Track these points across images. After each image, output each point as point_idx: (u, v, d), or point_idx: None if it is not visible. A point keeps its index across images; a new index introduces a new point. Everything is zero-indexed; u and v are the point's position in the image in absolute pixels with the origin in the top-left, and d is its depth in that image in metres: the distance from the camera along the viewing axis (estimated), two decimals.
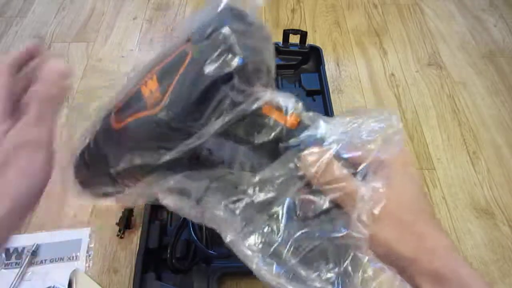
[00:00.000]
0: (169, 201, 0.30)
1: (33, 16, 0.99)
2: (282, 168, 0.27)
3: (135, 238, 0.62)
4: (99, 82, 0.84)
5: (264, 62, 0.27)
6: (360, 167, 0.27)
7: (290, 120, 0.27)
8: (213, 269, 0.54)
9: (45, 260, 0.59)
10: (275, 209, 0.28)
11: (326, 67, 0.79)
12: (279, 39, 0.81)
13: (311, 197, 0.27)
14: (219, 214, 0.30)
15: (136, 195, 0.32)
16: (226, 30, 0.24)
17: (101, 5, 1.01)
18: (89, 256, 0.60)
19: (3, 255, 0.59)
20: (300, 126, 0.27)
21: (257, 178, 0.28)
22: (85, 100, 0.81)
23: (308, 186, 0.27)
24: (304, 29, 0.81)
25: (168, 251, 0.55)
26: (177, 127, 0.26)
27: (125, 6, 1.01)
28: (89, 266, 0.59)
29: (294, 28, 0.81)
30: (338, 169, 0.27)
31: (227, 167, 0.30)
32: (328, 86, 0.75)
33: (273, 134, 0.27)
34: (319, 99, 0.75)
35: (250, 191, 0.28)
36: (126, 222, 0.61)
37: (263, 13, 1.00)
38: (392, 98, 0.83)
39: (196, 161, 0.29)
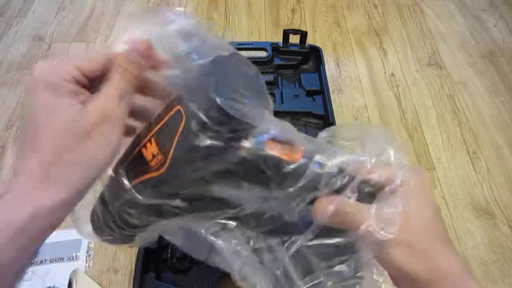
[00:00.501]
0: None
1: (33, 16, 0.99)
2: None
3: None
4: None
5: (261, 100, 0.27)
6: (381, 192, 0.28)
7: (296, 155, 0.27)
8: (213, 269, 0.54)
9: (45, 260, 0.59)
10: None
11: (326, 67, 0.78)
12: (279, 39, 0.81)
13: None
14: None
15: (145, 239, 0.33)
16: (219, 101, 0.24)
17: (101, 5, 1.01)
18: (89, 256, 0.60)
19: None
20: (305, 161, 0.27)
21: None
22: None
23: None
24: (304, 29, 0.81)
25: (168, 251, 0.55)
26: (181, 187, 0.27)
27: (125, 6, 1.01)
28: (89, 266, 0.59)
29: (294, 28, 0.81)
30: (350, 209, 0.27)
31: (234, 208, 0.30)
32: (328, 86, 0.75)
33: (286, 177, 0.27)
34: (319, 99, 0.75)
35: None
36: None
37: (263, 13, 1.00)
38: (392, 98, 0.83)
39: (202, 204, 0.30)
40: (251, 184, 0.27)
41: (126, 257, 0.60)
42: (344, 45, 0.93)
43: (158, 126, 0.27)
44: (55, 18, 0.98)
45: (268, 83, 0.78)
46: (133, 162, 0.28)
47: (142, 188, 0.27)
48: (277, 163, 0.26)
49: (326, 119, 0.72)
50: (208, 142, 0.24)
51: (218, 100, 0.23)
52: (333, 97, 0.80)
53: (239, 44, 0.79)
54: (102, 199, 0.30)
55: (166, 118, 0.26)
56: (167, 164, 0.26)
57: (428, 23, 0.99)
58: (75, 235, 0.64)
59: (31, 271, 0.58)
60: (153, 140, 0.27)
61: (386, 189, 0.28)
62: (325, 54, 0.80)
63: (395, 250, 0.27)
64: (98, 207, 0.30)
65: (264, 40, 0.93)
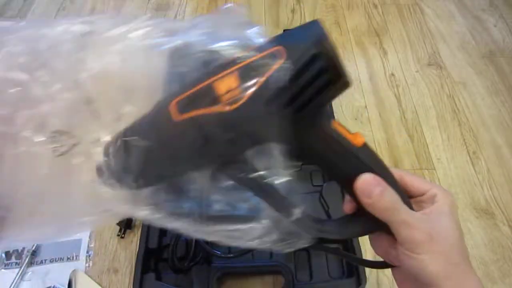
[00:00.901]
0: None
1: (33, 16, 0.98)
2: None
3: (135, 238, 0.62)
4: None
5: None
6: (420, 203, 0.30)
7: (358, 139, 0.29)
8: (213, 269, 0.54)
9: (45, 260, 0.59)
10: None
11: None
12: None
13: None
14: None
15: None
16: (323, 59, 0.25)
17: (101, 5, 1.01)
18: (89, 256, 0.60)
19: (3, 255, 0.59)
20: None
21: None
22: None
23: None
24: None
25: (169, 251, 0.55)
26: (244, 132, 0.25)
27: (125, 6, 1.01)
28: (89, 266, 0.59)
29: None
30: (391, 198, 0.28)
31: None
32: None
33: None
34: None
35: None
36: (126, 222, 0.61)
37: (263, 13, 1.00)
38: (392, 98, 0.83)
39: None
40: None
41: (126, 257, 0.61)
42: (344, 45, 0.93)
43: (248, 61, 0.25)
44: (55, 18, 0.98)
45: None
46: (193, 95, 0.26)
47: (194, 124, 0.25)
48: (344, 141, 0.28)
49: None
50: (296, 90, 0.24)
51: (328, 53, 0.24)
52: None
53: None
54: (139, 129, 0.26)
55: (259, 55, 0.25)
56: (243, 100, 0.24)
57: (428, 23, 0.99)
58: (75, 235, 0.64)
59: (31, 271, 0.58)
60: (235, 73, 0.25)
61: (426, 201, 0.30)
62: None
63: (433, 256, 0.28)
64: (119, 148, 0.26)
65: None
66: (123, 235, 0.61)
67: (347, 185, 0.30)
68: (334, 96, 0.27)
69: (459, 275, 0.28)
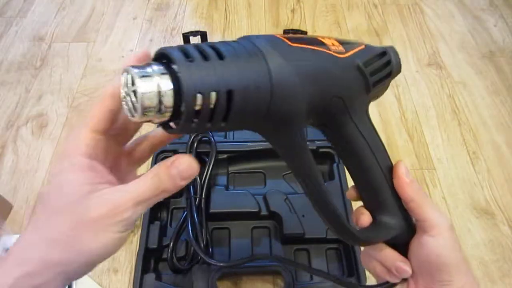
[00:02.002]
0: None
1: (33, 16, 0.99)
2: None
3: (134, 238, 0.62)
4: (99, 82, 0.85)
5: None
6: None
7: None
8: (213, 269, 0.54)
9: None
10: None
11: None
12: None
13: None
14: None
15: None
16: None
17: (101, 5, 1.02)
18: None
19: (3, 255, 0.59)
20: None
21: None
22: (85, 100, 0.81)
23: None
24: (304, 29, 0.81)
25: (168, 251, 0.55)
26: (342, 83, 0.29)
27: (125, 6, 1.01)
28: None
29: (294, 28, 0.81)
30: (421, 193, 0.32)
31: None
32: None
33: None
34: None
35: None
36: None
37: (263, 13, 1.00)
38: (392, 98, 0.83)
39: None
40: None
41: (126, 257, 0.61)
42: None
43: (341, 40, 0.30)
44: (55, 18, 0.98)
45: None
46: (303, 39, 0.27)
47: (308, 53, 0.26)
48: None
49: None
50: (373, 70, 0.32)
51: None
52: None
53: None
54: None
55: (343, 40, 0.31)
56: (348, 54, 0.29)
57: (428, 23, 0.99)
58: None
59: None
60: (333, 39, 0.30)
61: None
62: None
63: (446, 241, 0.31)
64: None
65: None
66: None
67: (364, 183, 0.33)
68: (381, 92, 0.36)
69: (466, 270, 0.33)
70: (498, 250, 0.62)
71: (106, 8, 1.01)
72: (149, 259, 0.55)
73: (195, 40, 0.79)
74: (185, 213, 0.57)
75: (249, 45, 0.24)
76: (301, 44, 0.26)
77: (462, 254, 0.33)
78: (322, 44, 0.28)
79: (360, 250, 0.55)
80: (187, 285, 0.54)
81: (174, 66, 0.21)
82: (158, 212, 0.61)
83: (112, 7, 1.01)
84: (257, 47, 0.23)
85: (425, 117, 0.79)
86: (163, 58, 0.22)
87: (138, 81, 0.20)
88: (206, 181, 0.59)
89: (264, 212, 0.59)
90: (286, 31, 0.79)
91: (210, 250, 0.56)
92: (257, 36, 0.25)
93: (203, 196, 0.58)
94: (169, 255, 0.55)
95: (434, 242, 0.31)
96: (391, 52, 0.35)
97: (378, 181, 0.32)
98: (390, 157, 0.34)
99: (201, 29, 0.78)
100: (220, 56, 0.22)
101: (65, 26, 0.96)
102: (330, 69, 0.27)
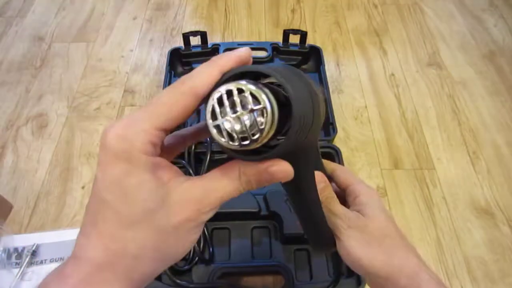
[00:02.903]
0: None
1: (33, 16, 0.99)
2: None
3: None
4: (99, 82, 0.85)
5: None
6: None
7: None
8: (213, 269, 0.54)
9: (45, 260, 0.59)
10: None
11: (326, 67, 0.78)
12: (279, 39, 0.81)
13: None
14: None
15: None
16: None
17: (101, 5, 1.01)
18: None
19: (3, 255, 0.59)
20: None
21: None
22: (85, 100, 0.81)
23: None
24: (304, 29, 0.81)
25: None
26: None
27: (125, 6, 1.01)
28: None
29: (294, 28, 0.81)
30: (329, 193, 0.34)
31: None
32: (328, 86, 0.75)
33: None
34: None
35: None
36: None
37: (263, 13, 1.00)
38: (392, 98, 0.83)
39: None
40: None
41: None
42: (344, 45, 0.93)
43: None
44: (55, 18, 0.98)
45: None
46: None
47: None
48: None
49: (326, 119, 0.72)
50: None
51: None
52: (333, 97, 0.80)
53: (239, 44, 0.79)
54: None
55: None
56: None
57: (428, 23, 0.99)
58: (75, 235, 0.63)
59: (31, 271, 0.58)
60: None
61: (351, 194, 0.35)
62: (325, 54, 0.80)
63: (356, 244, 0.32)
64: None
65: (264, 40, 0.93)
66: None
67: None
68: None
69: (388, 255, 0.31)
70: (498, 250, 0.62)
71: (106, 8, 1.01)
72: None
73: (195, 40, 0.79)
74: None
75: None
76: None
77: (380, 244, 0.32)
78: None
79: None
80: (187, 286, 0.54)
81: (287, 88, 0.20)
82: None
83: (112, 7, 1.01)
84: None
85: (425, 117, 0.79)
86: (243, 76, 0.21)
87: (263, 97, 0.19)
88: None
89: (264, 212, 0.59)
90: (286, 31, 0.79)
91: (211, 250, 0.56)
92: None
93: None
94: None
95: (344, 244, 0.32)
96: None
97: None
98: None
99: (201, 29, 0.78)
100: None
101: (65, 26, 0.96)
102: None
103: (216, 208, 0.22)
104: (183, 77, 0.21)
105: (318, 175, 0.33)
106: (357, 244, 0.31)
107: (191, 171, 0.60)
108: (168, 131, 0.22)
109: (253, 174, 0.22)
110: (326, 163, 0.38)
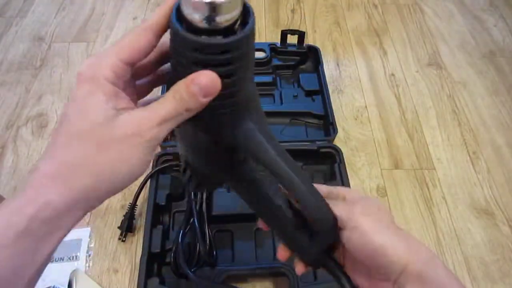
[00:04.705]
0: None
1: (33, 16, 0.99)
2: None
3: (134, 238, 0.62)
4: None
5: None
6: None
7: None
8: (217, 272, 0.54)
9: None
10: None
11: (326, 67, 0.78)
12: (279, 39, 0.81)
13: None
14: None
15: None
16: None
17: (101, 5, 1.01)
18: (89, 256, 0.60)
19: None
20: None
21: None
22: None
23: None
24: (304, 29, 0.81)
25: (171, 255, 0.55)
26: None
27: (125, 6, 1.01)
28: (89, 266, 0.59)
29: (294, 28, 0.81)
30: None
31: None
32: (327, 86, 0.75)
33: None
34: (318, 99, 0.75)
35: None
36: (127, 225, 0.61)
37: (263, 13, 1.00)
38: (392, 98, 0.83)
39: None
40: None
41: (126, 257, 0.60)
42: (344, 45, 0.93)
43: None
44: (55, 18, 0.98)
45: (266, 84, 0.78)
46: None
47: None
48: None
49: (326, 119, 0.72)
50: None
51: None
52: (333, 97, 0.80)
53: None
54: None
55: None
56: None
57: (428, 23, 0.99)
58: (75, 235, 0.64)
59: None
60: None
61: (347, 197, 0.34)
62: (325, 54, 0.80)
63: (376, 230, 0.30)
64: None
65: (264, 40, 0.93)
66: (124, 239, 0.61)
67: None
68: None
69: (407, 241, 0.30)
70: (498, 250, 0.63)
71: (106, 8, 1.01)
72: (152, 263, 0.55)
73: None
74: (187, 216, 0.57)
75: None
76: None
77: (395, 230, 0.31)
78: None
79: None
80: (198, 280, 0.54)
81: None
82: (160, 216, 0.61)
83: (112, 7, 1.01)
84: None
85: (425, 117, 0.79)
86: None
87: None
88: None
89: None
90: (284, 32, 0.79)
91: (214, 253, 0.56)
92: None
93: (204, 199, 0.58)
94: (172, 259, 0.55)
95: (352, 236, 0.30)
96: None
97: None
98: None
99: None
100: None
101: (65, 26, 0.96)
102: None
103: (158, 127, 0.24)
104: (144, 20, 0.26)
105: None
106: (377, 230, 0.29)
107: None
108: (132, 64, 0.25)
109: (183, 89, 0.24)
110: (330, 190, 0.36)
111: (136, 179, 0.25)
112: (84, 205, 0.23)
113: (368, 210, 0.31)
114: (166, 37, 0.27)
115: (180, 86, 0.24)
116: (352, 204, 0.32)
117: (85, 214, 0.24)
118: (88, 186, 0.23)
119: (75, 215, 0.23)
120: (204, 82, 0.24)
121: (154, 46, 0.26)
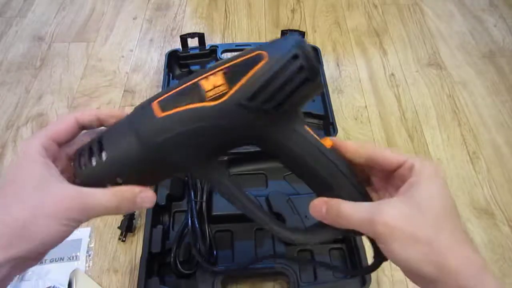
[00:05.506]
0: None
1: (33, 16, 0.99)
2: None
3: (135, 238, 0.62)
4: (99, 82, 0.85)
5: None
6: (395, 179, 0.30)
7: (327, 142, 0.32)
8: (217, 272, 0.54)
9: (45, 260, 0.59)
10: None
11: (326, 67, 0.78)
12: None
13: None
14: None
15: None
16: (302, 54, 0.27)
17: (101, 5, 1.01)
18: (89, 256, 0.60)
19: None
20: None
21: None
22: (85, 100, 0.81)
23: None
24: (304, 29, 0.81)
25: (172, 255, 0.55)
26: (225, 128, 0.27)
27: (125, 6, 1.01)
28: (89, 266, 0.59)
29: (294, 28, 0.81)
30: (347, 208, 0.29)
31: None
32: (327, 86, 0.75)
33: None
34: (318, 99, 0.75)
35: None
36: (127, 225, 0.61)
37: (263, 13, 1.00)
38: (392, 98, 0.83)
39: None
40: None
41: (126, 257, 0.61)
42: (344, 45, 0.93)
43: (231, 62, 0.27)
44: (55, 18, 0.98)
45: None
46: (178, 93, 0.28)
47: (176, 119, 0.27)
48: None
49: (326, 119, 0.72)
50: (277, 86, 0.26)
51: (304, 52, 0.27)
52: (333, 97, 0.80)
53: (237, 45, 0.79)
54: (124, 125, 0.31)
55: (242, 58, 0.27)
56: (227, 96, 0.26)
57: (428, 23, 0.99)
58: (75, 235, 0.63)
59: (31, 271, 0.58)
60: (219, 73, 0.27)
61: (400, 172, 0.29)
62: (325, 54, 0.80)
63: (398, 244, 0.25)
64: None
65: (264, 40, 0.93)
66: (124, 239, 0.61)
67: (315, 185, 0.33)
68: (308, 96, 0.29)
69: (441, 255, 0.25)
70: (498, 250, 0.63)
71: (106, 8, 1.01)
72: (152, 264, 0.55)
73: (193, 41, 0.79)
74: (187, 216, 0.57)
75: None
76: (171, 110, 0.28)
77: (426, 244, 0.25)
78: (198, 93, 0.27)
79: (364, 249, 0.55)
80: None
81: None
82: (160, 216, 0.61)
83: (112, 7, 1.01)
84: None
85: (425, 117, 0.79)
86: None
87: None
88: (207, 184, 0.59)
89: None
90: (284, 32, 0.79)
91: (214, 253, 0.56)
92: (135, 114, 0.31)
93: (204, 199, 0.58)
94: (172, 259, 0.54)
95: (393, 254, 0.26)
96: (302, 53, 0.27)
97: (328, 173, 0.31)
98: None
99: (201, 29, 0.78)
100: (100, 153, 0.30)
101: (65, 26, 0.96)
102: (202, 127, 0.27)
103: (88, 213, 0.28)
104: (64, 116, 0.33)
105: (316, 202, 0.31)
106: (401, 246, 0.26)
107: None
108: (58, 143, 0.31)
109: (128, 195, 0.30)
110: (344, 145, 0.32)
111: (51, 248, 0.28)
112: (13, 264, 0.26)
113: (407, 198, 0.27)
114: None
115: (127, 193, 0.30)
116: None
117: (13, 276, 0.27)
118: (16, 245, 0.26)
119: (7, 272, 0.26)
120: (147, 202, 0.31)
121: (75, 133, 0.32)
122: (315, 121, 0.73)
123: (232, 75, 0.27)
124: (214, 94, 0.26)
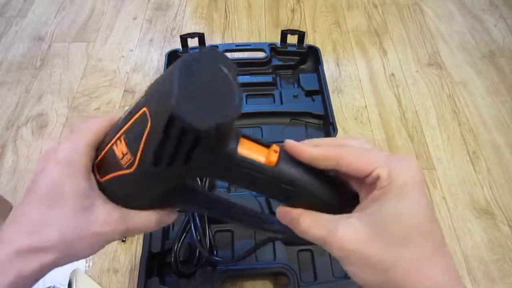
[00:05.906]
0: None
1: (33, 16, 0.99)
2: None
3: (134, 238, 0.62)
4: (99, 82, 0.85)
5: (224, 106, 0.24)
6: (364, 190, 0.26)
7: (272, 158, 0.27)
8: (218, 272, 0.54)
9: None
10: None
11: (326, 67, 0.78)
12: (279, 39, 0.81)
13: None
14: None
15: None
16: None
17: (101, 5, 1.01)
18: None
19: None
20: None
21: None
22: (85, 100, 0.81)
23: None
24: (304, 29, 0.81)
25: (172, 255, 0.55)
26: (160, 181, 0.28)
27: (125, 6, 1.01)
28: (89, 266, 0.59)
29: (294, 28, 0.81)
30: (305, 222, 0.27)
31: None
32: (327, 86, 0.75)
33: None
34: (318, 99, 0.75)
35: None
36: None
37: (263, 13, 1.00)
38: (392, 98, 0.83)
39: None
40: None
41: (126, 257, 0.61)
42: (344, 45, 0.93)
43: (127, 126, 0.26)
44: (55, 18, 0.98)
45: (266, 84, 0.78)
46: (104, 160, 0.29)
47: (114, 183, 0.29)
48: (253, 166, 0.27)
49: (326, 119, 0.72)
50: (173, 150, 0.24)
51: (179, 113, 0.21)
52: (333, 97, 0.80)
53: (237, 45, 0.79)
54: None
55: (133, 119, 0.26)
56: (136, 164, 0.26)
57: (428, 23, 0.99)
58: None
59: None
60: (122, 139, 0.27)
61: (370, 189, 0.25)
62: (325, 54, 0.80)
63: (356, 268, 0.24)
64: None
65: (264, 40, 0.93)
66: (124, 239, 0.61)
67: (277, 198, 0.31)
68: (215, 145, 0.25)
69: (398, 274, 0.23)
70: (498, 250, 0.63)
71: (106, 8, 1.01)
72: (152, 263, 0.55)
73: (193, 42, 0.79)
74: (187, 216, 0.57)
75: None
76: (106, 175, 0.29)
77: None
78: (116, 161, 0.27)
79: None
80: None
81: None
82: None
83: (112, 7, 1.01)
84: None
85: (425, 117, 0.79)
86: None
87: None
88: (207, 183, 0.59)
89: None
90: (283, 32, 0.79)
91: (215, 252, 0.56)
92: None
93: None
94: (172, 259, 0.54)
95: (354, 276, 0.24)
96: (179, 111, 0.21)
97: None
98: None
99: (201, 29, 0.78)
100: None
101: (65, 26, 0.96)
102: (136, 187, 0.29)
103: (130, 232, 0.30)
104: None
105: (280, 212, 0.29)
106: (359, 269, 0.24)
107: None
108: (95, 149, 0.29)
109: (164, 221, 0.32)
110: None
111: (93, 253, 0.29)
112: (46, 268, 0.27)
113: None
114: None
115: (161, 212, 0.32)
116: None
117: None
118: (57, 260, 0.26)
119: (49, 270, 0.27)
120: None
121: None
122: (315, 121, 0.73)
123: (130, 143, 0.26)
124: (125, 163, 0.27)
